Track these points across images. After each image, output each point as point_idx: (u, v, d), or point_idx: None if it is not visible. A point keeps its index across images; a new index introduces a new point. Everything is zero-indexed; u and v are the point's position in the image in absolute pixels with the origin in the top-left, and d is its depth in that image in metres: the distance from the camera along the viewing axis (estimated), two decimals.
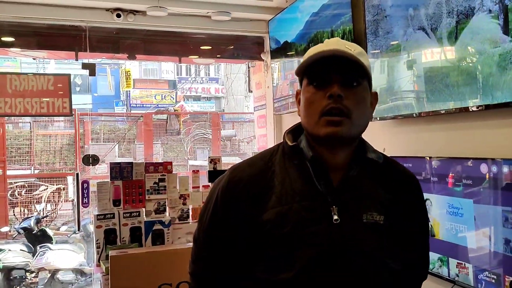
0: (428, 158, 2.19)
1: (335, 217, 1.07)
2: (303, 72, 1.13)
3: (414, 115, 2.35)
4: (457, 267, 2.02)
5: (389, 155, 1.25)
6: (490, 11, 1.83)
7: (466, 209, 1.94)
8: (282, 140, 1.21)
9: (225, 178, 1.19)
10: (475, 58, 1.94)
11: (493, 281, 1.83)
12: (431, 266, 2.14)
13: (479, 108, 1.95)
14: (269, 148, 1.24)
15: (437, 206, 2.12)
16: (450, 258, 2.06)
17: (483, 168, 1.86)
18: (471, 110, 1.99)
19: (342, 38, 2.87)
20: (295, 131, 1.20)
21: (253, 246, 1.11)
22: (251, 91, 5.35)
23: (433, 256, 2.12)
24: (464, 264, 1.97)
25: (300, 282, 1.06)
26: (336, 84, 1.07)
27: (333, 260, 1.06)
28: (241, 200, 1.12)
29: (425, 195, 2.20)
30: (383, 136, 2.68)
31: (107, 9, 3.65)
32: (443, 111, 2.16)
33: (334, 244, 1.06)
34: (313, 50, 1.13)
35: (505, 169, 1.76)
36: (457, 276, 2.01)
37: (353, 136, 1.12)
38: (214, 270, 1.19)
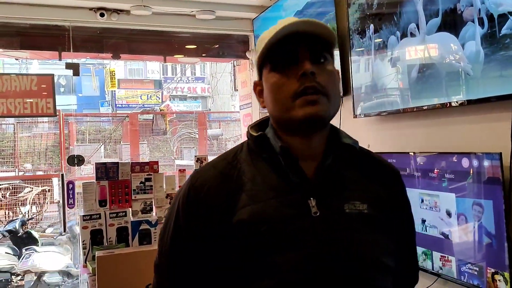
0: (412, 153, 2.22)
1: (314, 209, 0.94)
2: (264, 58, 1.00)
3: (399, 111, 2.38)
4: (440, 260, 2.05)
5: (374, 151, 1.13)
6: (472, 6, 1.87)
7: (450, 203, 1.98)
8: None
9: (185, 185, 1.04)
10: (458, 55, 1.97)
11: (476, 273, 1.86)
12: None
13: (461, 103, 1.98)
14: (231, 148, 1.11)
15: (421, 201, 2.15)
16: (434, 252, 2.09)
17: (465, 162, 1.90)
18: (453, 105, 2.03)
19: None
20: (259, 126, 1.08)
21: (225, 260, 0.95)
22: (237, 90, 5.36)
23: (418, 250, 2.15)
24: (448, 257, 2.01)
25: None
26: (306, 61, 0.96)
27: (320, 262, 0.92)
28: (206, 207, 0.97)
29: (410, 190, 2.24)
30: (367, 132, 2.71)
31: (91, 9, 3.63)
32: (425, 107, 2.19)
33: (320, 241, 0.93)
34: (270, 32, 0.99)
35: (486, 163, 1.80)
36: (441, 269, 2.05)
37: (331, 116, 1.01)
38: None
